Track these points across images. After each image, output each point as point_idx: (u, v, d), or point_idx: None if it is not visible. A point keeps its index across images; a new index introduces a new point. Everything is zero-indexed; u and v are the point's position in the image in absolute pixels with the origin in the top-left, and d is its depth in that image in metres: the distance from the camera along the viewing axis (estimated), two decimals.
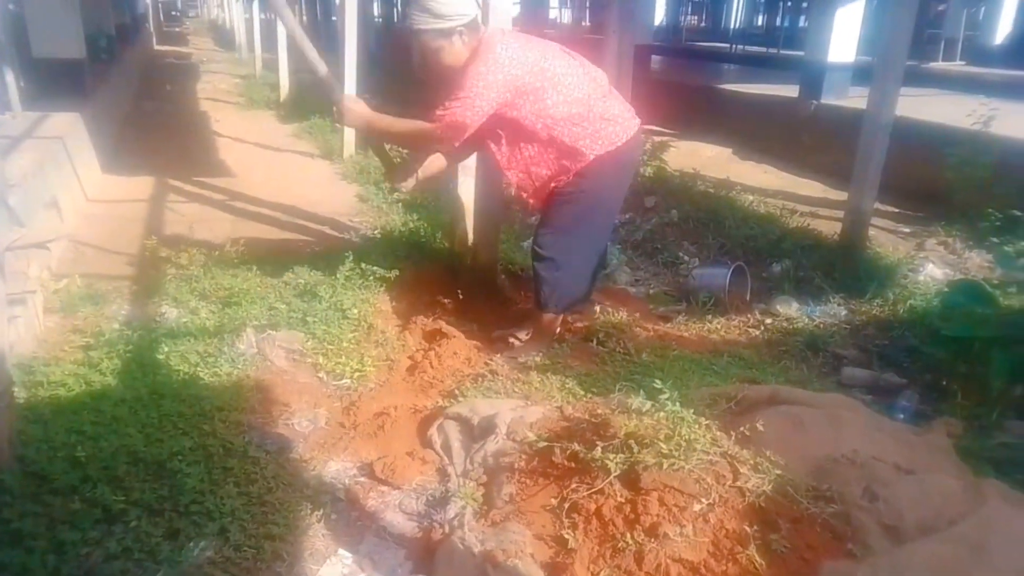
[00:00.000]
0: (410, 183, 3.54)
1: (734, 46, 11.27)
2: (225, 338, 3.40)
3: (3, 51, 5.71)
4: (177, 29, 32.36)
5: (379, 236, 5.10)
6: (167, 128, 8.65)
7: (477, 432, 2.83)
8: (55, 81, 6.67)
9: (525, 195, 3.45)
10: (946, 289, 3.77)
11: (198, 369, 3.16)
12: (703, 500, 2.21)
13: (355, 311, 3.73)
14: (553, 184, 3.30)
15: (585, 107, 3.16)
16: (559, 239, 3.35)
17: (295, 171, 7.04)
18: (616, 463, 2.29)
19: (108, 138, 7.20)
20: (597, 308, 4.02)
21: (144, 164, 6.54)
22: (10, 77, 5.86)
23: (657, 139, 7.09)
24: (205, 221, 5.14)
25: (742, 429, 2.49)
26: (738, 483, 2.29)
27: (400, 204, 5.79)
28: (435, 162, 3.54)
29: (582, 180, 3.25)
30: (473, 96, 2.99)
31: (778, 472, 2.35)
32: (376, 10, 20.05)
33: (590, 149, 3.19)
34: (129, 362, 3.15)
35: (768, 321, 4.06)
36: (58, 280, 3.99)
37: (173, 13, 40.61)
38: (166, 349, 3.27)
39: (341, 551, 2.33)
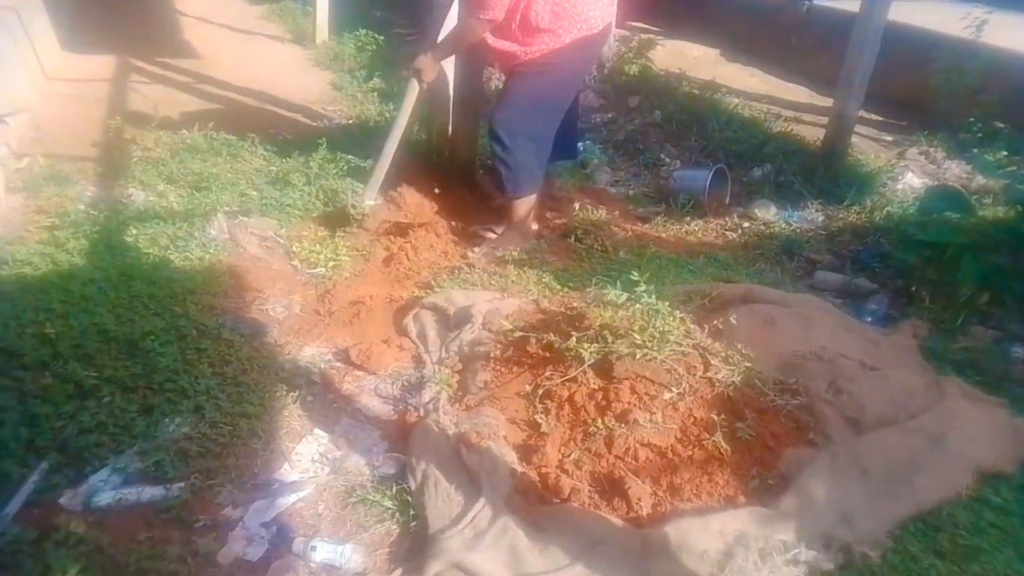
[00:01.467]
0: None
1: None
2: (195, 223, 3.33)
3: None
4: None
5: (354, 125, 4.94)
6: (127, 5, 8.14)
7: (453, 322, 2.84)
8: None
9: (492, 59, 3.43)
10: (923, 196, 3.78)
11: (168, 252, 3.10)
12: (673, 389, 2.26)
13: (330, 201, 3.65)
14: (522, 58, 3.22)
15: None
16: (515, 117, 3.29)
17: (265, 55, 6.72)
18: (590, 352, 2.32)
19: (67, 13, 6.76)
20: (576, 206, 3.98)
21: (104, 42, 6.17)
22: None
23: (643, 36, 6.84)
24: (171, 104, 4.92)
25: (715, 323, 2.53)
26: (708, 374, 2.34)
27: (376, 93, 5.58)
28: None
29: (549, 58, 3.20)
30: None
31: (747, 365, 2.40)
32: None
33: (569, 31, 3.16)
34: (96, 243, 3.07)
35: (746, 224, 4.07)
36: (19, 159, 3.83)
37: None
38: (134, 232, 3.20)
39: (317, 430, 2.36)
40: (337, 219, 3.56)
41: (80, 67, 5.61)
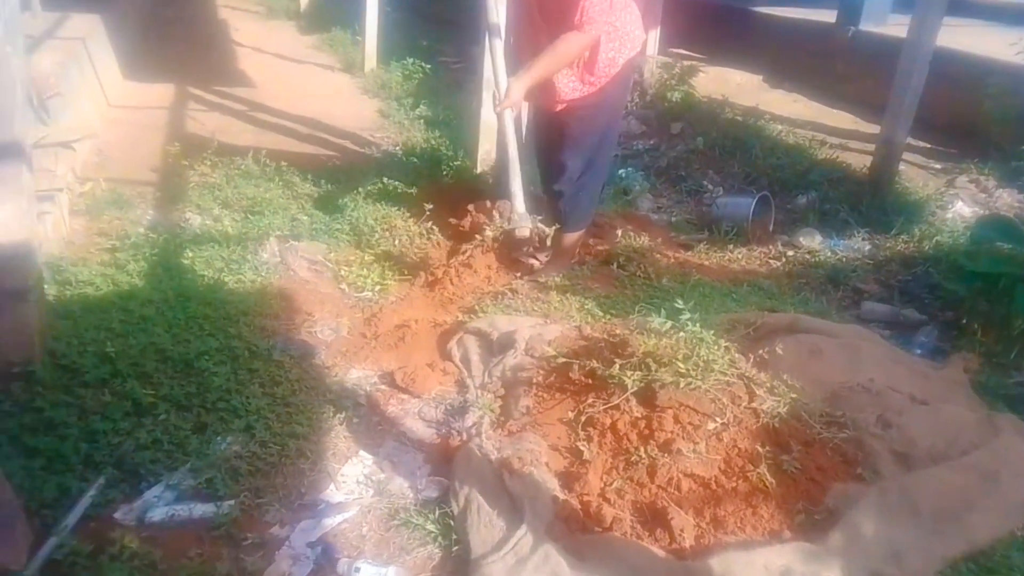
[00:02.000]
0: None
1: None
2: (248, 246, 3.44)
3: None
4: None
5: (401, 152, 5.05)
6: (186, 36, 8.47)
7: (496, 347, 2.87)
8: None
9: (547, 100, 3.35)
10: (974, 225, 3.70)
11: (222, 275, 3.20)
12: (718, 419, 2.25)
13: (378, 226, 3.74)
14: (581, 94, 3.23)
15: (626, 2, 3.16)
16: (578, 159, 3.33)
17: (316, 84, 6.92)
18: (633, 380, 2.32)
19: (128, 43, 7.06)
20: (619, 233, 4.00)
21: (164, 71, 6.44)
22: None
23: (686, 63, 6.87)
24: (226, 131, 5.09)
25: (760, 353, 2.51)
26: (753, 404, 2.33)
27: (422, 121, 5.70)
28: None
29: (608, 88, 3.22)
30: None
31: (793, 396, 2.37)
32: None
33: (621, 52, 3.18)
34: (155, 265, 3.19)
35: (790, 253, 4.03)
36: (83, 183, 4.01)
37: None
38: (191, 254, 3.31)
39: (362, 452, 2.40)
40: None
41: (141, 95, 5.85)
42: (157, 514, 2.06)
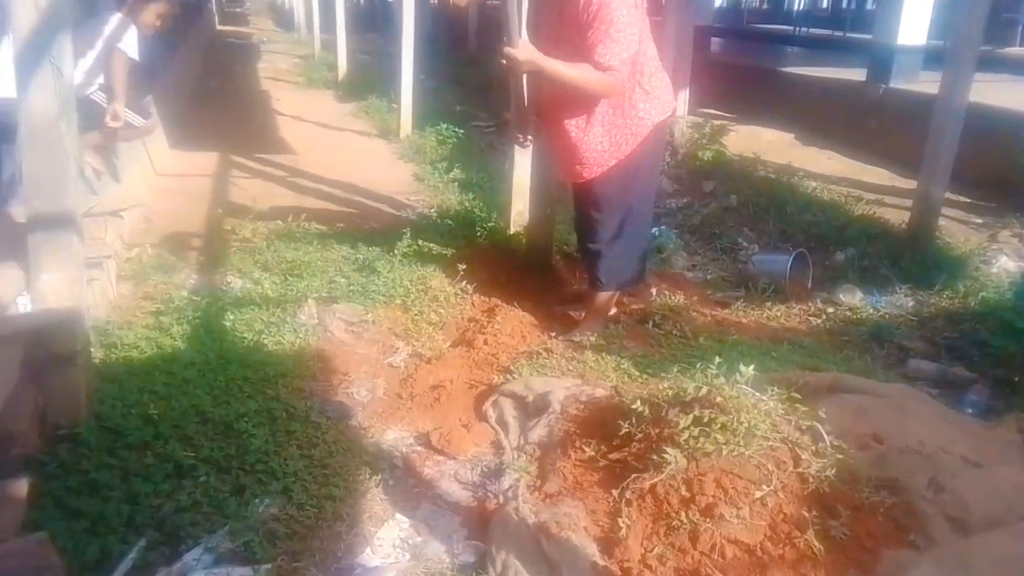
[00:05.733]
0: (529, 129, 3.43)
1: (798, 28, 10.94)
2: (287, 308, 3.50)
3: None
4: (238, 10, 32.94)
5: (435, 215, 5.14)
6: (230, 106, 8.86)
7: (532, 409, 2.85)
8: None
9: (577, 166, 3.32)
10: (1021, 280, 3.62)
11: (262, 337, 3.25)
12: (764, 487, 2.18)
13: (413, 287, 3.79)
14: (613, 157, 3.25)
15: (657, 65, 3.18)
16: (616, 225, 3.35)
17: (353, 149, 7.15)
18: (675, 457, 2.26)
19: (175, 114, 7.40)
20: (653, 291, 3.99)
21: (209, 140, 6.71)
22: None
23: (716, 123, 6.95)
24: (267, 196, 5.26)
25: (803, 414, 2.45)
26: (799, 468, 2.26)
27: (456, 184, 5.82)
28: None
29: (640, 151, 3.22)
30: (622, 28, 2.91)
31: (840, 457, 2.31)
32: None
33: (651, 113, 3.18)
34: (197, 328, 3.26)
35: (830, 310, 3.97)
36: (130, 249, 4.15)
37: None
38: (232, 317, 3.38)
39: (398, 515, 2.38)
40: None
41: (187, 164, 6.10)
42: None
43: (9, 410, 2.24)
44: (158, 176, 5.70)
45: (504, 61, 3.03)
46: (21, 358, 2.34)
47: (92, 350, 2.82)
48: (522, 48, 2.98)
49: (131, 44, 4.29)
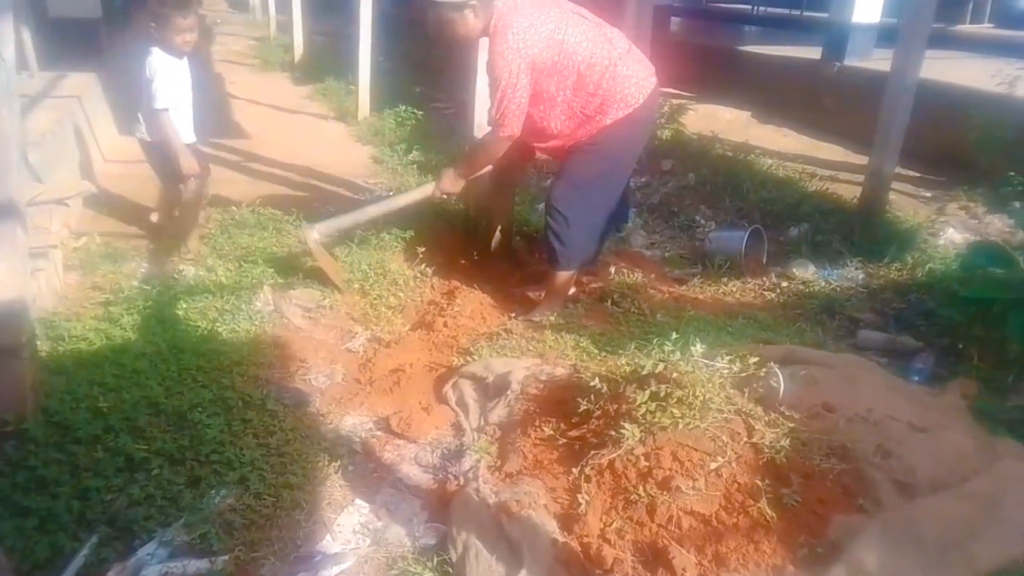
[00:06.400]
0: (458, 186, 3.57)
1: (756, 8, 10.99)
2: (242, 295, 3.44)
3: (20, 10, 5.70)
4: None
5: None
6: None
7: (492, 390, 2.86)
8: (71, 41, 6.66)
9: (540, 150, 3.47)
10: (966, 251, 3.72)
11: (216, 325, 3.20)
12: (719, 459, 2.22)
13: (371, 271, 3.75)
14: (571, 145, 3.31)
15: (601, 73, 3.18)
16: (573, 195, 3.36)
17: (310, 133, 7.02)
18: (632, 432, 2.28)
19: (124, 99, 7.18)
20: (612, 269, 4.01)
21: None
22: (27, 36, 5.85)
23: (675, 102, 6.99)
24: (221, 182, 5.12)
25: (756, 386, 2.50)
26: (752, 439, 2.30)
27: (415, 166, 5.77)
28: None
29: (598, 138, 3.25)
30: (510, 88, 3.08)
31: (791, 427, 2.36)
32: None
33: (606, 114, 3.21)
34: (148, 318, 3.19)
35: (784, 284, 4.04)
36: (77, 238, 4.04)
37: None
38: (184, 305, 3.31)
39: (358, 501, 2.38)
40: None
41: (135, 149, 5.91)
42: (151, 572, 2.03)
43: None
44: (107, 162, 5.54)
45: (445, 196, 3.58)
46: None
47: (38, 343, 2.75)
48: (445, 182, 3.48)
49: (161, 90, 3.65)
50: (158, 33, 3.58)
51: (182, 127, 3.81)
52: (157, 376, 2.78)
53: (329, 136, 6.96)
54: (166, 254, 3.90)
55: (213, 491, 2.30)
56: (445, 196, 3.59)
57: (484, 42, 3.31)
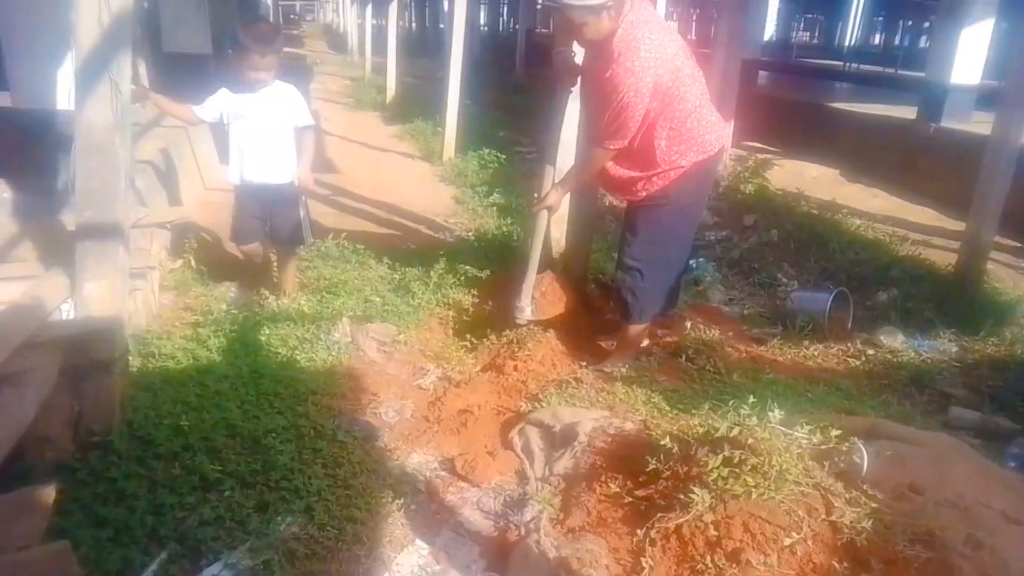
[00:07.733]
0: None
1: (848, 64, 10.82)
2: (322, 326, 3.53)
3: (137, 45, 6.14)
4: (294, 32, 33.92)
5: (473, 238, 5.17)
6: None
7: (558, 439, 2.82)
8: (183, 74, 7.10)
9: (611, 182, 3.45)
10: None
11: (295, 353, 3.29)
12: (794, 534, 2.12)
13: (447, 310, 3.80)
14: (643, 189, 3.25)
15: (689, 112, 3.13)
16: (647, 249, 3.32)
17: (396, 171, 7.25)
18: (702, 498, 2.21)
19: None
20: (688, 324, 3.94)
21: None
22: (143, 70, 6.29)
23: (760, 156, 6.88)
24: (311, 214, 5.34)
25: (837, 460, 2.38)
26: (831, 517, 2.19)
27: (495, 208, 5.86)
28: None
29: (672, 187, 3.21)
30: (631, 104, 3.00)
31: (874, 507, 2.23)
32: (482, 19, 20.50)
33: (684, 155, 3.17)
34: (233, 341, 3.31)
35: (870, 352, 3.86)
36: (174, 260, 4.25)
37: (291, 16, 42.83)
38: (267, 332, 3.42)
39: (418, 541, 2.37)
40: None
41: None
42: None
43: (45, 415, 2.29)
44: (207, 190, 5.84)
45: (547, 210, 3.50)
46: (60, 364, 2.40)
47: (130, 359, 2.88)
48: (550, 197, 3.44)
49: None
50: (235, 62, 3.65)
51: (233, 166, 3.87)
52: (236, 399, 2.87)
53: (414, 175, 7.16)
54: (257, 282, 4.04)
55: (279, 518, 2.33)
56: (547, 210, 3.51)
57: (575, 88, 3.37)
